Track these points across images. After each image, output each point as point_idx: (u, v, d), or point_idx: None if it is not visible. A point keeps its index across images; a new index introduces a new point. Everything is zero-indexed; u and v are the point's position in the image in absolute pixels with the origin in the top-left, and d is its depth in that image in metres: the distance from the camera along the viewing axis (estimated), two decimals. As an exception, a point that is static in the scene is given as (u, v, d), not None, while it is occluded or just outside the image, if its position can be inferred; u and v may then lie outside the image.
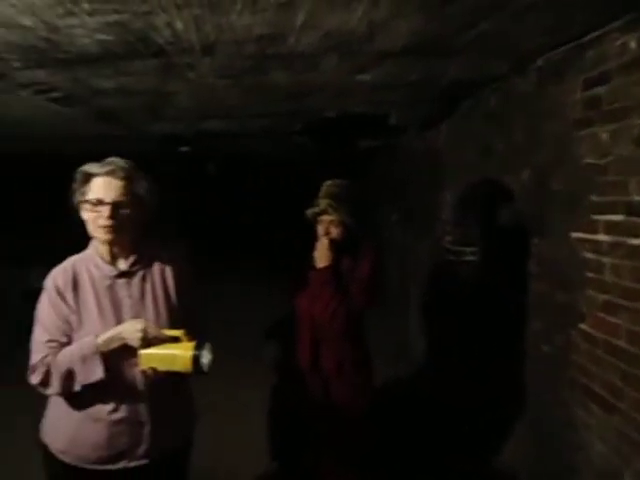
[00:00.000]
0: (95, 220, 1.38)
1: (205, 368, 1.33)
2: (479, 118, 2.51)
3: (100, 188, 1.38)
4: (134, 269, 1.46)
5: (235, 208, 9.59)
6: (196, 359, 1.31)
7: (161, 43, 1.58)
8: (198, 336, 1.37)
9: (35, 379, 1.33)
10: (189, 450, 1.64)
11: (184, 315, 1.51)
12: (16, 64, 1.74)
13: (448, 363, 3.14)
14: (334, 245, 1.85)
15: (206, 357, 1.34)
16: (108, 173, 1.39)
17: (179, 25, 1.44)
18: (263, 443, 2.25)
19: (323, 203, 1.84)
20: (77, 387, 1.34)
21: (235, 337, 4.44)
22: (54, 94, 2.16)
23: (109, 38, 1.50)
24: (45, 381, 1.33)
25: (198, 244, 8.57)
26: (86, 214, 1.41)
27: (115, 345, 1.34)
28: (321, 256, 1.84)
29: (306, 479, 2.05)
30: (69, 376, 1.33)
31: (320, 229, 1.89)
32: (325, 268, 1.83)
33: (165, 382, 1.39)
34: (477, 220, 3.09)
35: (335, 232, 1.87)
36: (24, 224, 5.45)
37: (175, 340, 1.36)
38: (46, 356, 1.33)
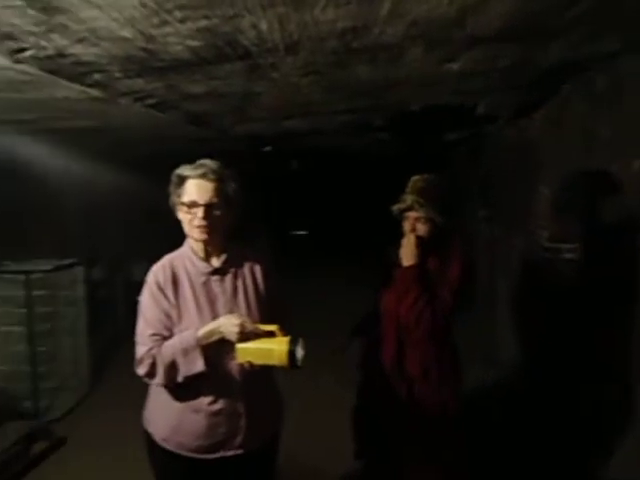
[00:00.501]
0: (190, 221, 1.46)
1: (300, 363, 1.35)
2: (582, 103, 2.28)
3: (194, 190, 1.46)
4: (226, 266, 1.53)
5: (320, 206, 9.72)
6: (292, 354, 1.34)
7: (247, 45, 1.61)
8: (291, 333, 1.39)
9: (142, 370, 1.43)
10: (278, 441, 1.68)
11: (272, 311, 1.55)
12: (117, 74, 1.86)
13: (541, 366, 2.92)
14: (421, 243, 1.78)
15: (300, 352, 1.36)
16: (201, 176, 1.45)
17: (264, 25, 1.45)
18: (346, 440, 2.24)
19: (409, 199, 1.78)
20: (180, 378, 1.42)
21: (320, 333, 4.51)
22: (150, 101, 2.30)
23: (199, 44, 1.55)
24: (151, 372, 1.42)
25: (283, 242, 8.83)
26: (182, 215, 1.49)
27: (214, 339, 1.40)
28: (407, 254, 1.78)
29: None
30: (172, 368, 1.41)
31: (406, 226, 1.83)
32: (411, 267, 1.77)
33: (259, 375, 1.43)
34: (577, 215, 2.83)
35: (422, 229, 1.80)
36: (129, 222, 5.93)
37: (270, 335, 1.39)
38: (151, 348, 1.42)
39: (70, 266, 3.72)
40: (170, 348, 1.41)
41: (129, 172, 5.48)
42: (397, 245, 1.86)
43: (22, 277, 3.34)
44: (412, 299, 1.75)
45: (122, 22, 1.36)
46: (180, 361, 1.40)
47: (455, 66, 1.99)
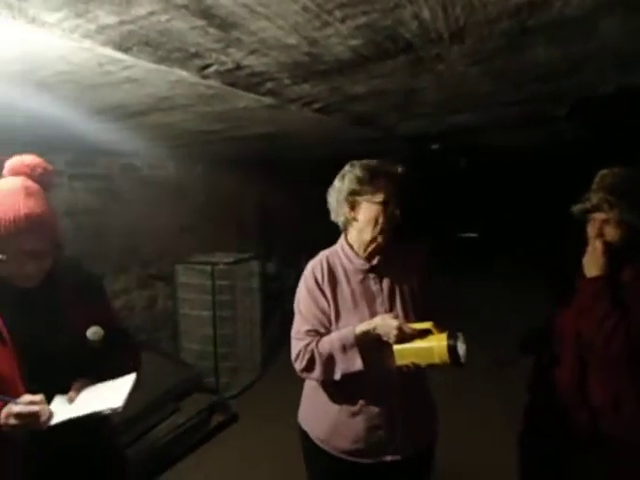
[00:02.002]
0: (371, 220, 1.44)
1: (462, 359, 1.26)
2: None
3: (380, 189, 1.44)
4: (383, 265, 1.49)
5: (491, 207, 9.10)
6: (452, 349, 1.25)
7: (408, 37, 1.54)
8: (450, 328, 1.30)
9: (300, 365, 1.46)
10: (433, 450, 1.60)
11: (427, 312, 1.48)
12: (286, 81, 1.97)
13: None
14: (610, 250, 1.49)
15: (461, 347, 1.26)
16: (388, 175, 1.44)
17: (426, 14, 1.37)
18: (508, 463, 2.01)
19: (596, 197, 1.49)
20: (337, 375, 1.41)
21: (482, 344, 4.20)
22: (316, 105, 2.39)
23: (360, 42, 1.54)
24: (309, 367, 1.45)
25: (450, 245, 8.49)
26: (365, 214, 1.48)
27: (369, 339, 1.37)
28: (592, 263, 1.50)
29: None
30: (330, 364, 1.41)
31: (591, 230, 1.54)
32: (597, 278, 1.48)
33: (414, 379, 1.37)
34: None
35: (612, 233, 1.49)
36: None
37: (425, 333, 1.32)
38: (309, 344, 1.45)
39: (248, 260, 4.14)
40: (328, 344, 1.42)
41: (299, 175, 5.88)
42: (580, 252, 1.59)
43: (209, 268, 3.83)
44: (599, 315, 1.47)
45: (287, 29, 1.42)
46: (338, 358, 1.39)
47: (665, 35, 1.62)
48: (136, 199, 4.13)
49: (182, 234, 4.48)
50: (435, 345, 1.28)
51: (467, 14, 1.39)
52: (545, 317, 1.80)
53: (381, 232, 1.43)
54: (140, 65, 1.66)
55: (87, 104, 2.24)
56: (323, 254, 1.59)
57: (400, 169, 1.41)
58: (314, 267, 1.55)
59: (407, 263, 1.53)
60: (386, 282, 1.49)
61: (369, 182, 1.46)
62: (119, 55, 1.54)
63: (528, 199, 8.33)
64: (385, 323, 1.34)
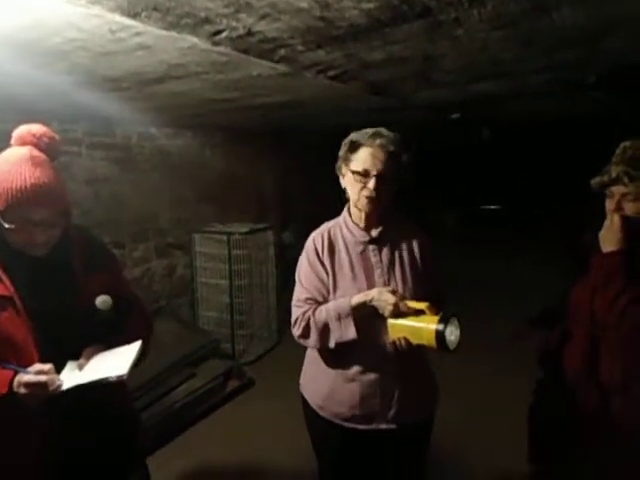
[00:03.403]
0: (360, 190, 1.44)
1: (451, 345, 1.24)
2: None
3: (368, 159, 1.43)
4: (384, 237, 1.49)
5: (514, 178, 8.89)
6: (439, 334, 1.24)
7: (426, 1, 1.48)
8: (444, 310, 1.30)
9: (297, 331, 1.51)
10: (431, 424, 1.62)
11: (428, 287, 1.47)
12: (299, 47, 1.92)
13: None
14: (628, 225, 1.44)
15: (453, 333, 1.25)
16: (377, 145, 1.42)
17: (444, -25, 1.31)
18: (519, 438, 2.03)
19: (616, 170, 1.43)
20: (332, 344, 1.45)
21: (500, 318, 4.18)
22: (331, 72, 2.33)
23: (374, 5, 1.49)
24: (305, 334, 1.49)
25: (471, 217, 8.38)
26: (348, 182, 1.48)
27: (365, 310, 1.39)
28: (609, 238, 1.45)
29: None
30: (325, 332, 1.44)
31: (610, 204, 1.49)
32: (614, 253, 1.44)
33: (411, 351, 1.38)
34: None
35: (631, 208, 1.44)
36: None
37: (420, 313, 1.32)
38: (306, 311, 1.48)
39: (263, 230, 4.16)
40: (324, 312, 1.44)
41: (315, 146, 5.82)
42: (597, 225, 1.54)
43: (225, 237, 3.86)
44: (613, 292, 1.44)
45: (298, -8, 1.37)
46: (333, 326, 1.42)
47: None
48: (154, 168, 4.16)
49: (199, 203, 4.52)
50: (424, 327, 1.29)
51: (488, -26, 1.32)
52: (561, 292, 1.77)
53: (364, 201, 1.42)
54: (150, 31, 1.63)
55: (101, 72, 2.22)
56: (326, 225, 1.59)
57: (381, 141, 1.38)
58: (315, 238, 1.56)
59: (411, 237, 1.52)
60: (386, 254, 1.48)
61: (352, 151, 1.46)
62: (129, 21, 1.52)
63: (552, 171, 8.10)
64: (382, 297, 1.35)
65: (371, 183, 1.41)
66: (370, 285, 1.45)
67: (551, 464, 1.80)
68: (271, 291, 4.35)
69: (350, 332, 1.41)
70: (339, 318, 1.41)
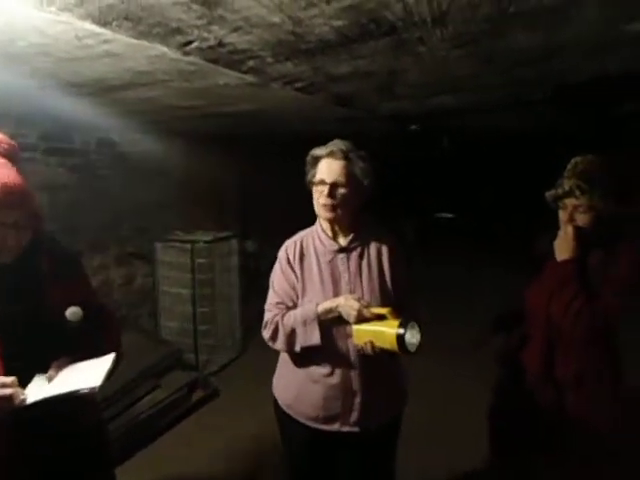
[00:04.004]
0: (318, 199, 1.50)
1: (411, 348, 1.30)
2: None
3: (323, 169, 1.50)
4: (352, 246, 1.54)
5: (468, 188, 9.22)
6: (400, 337, 1.30)
7: (392, 20, 1.55)
8: (404, 315, 1.36)
9: (266, 334, 1.55)
10: (398, 427, 1.67)
11: (395, 294, 1.53)
12: (269, 60, 1.96)
13: None
14: (580, 234, 1.55)
15: (414, 337, 1.32)
16: (328, 155, 1.50)
17: (410, -3, 1.38)
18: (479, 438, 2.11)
19: (568, 184, 1.55)
20: (297, 347, 1.50)
21: (460, 323, 4.33)
22: (298, 84, 2.38)
23: (344, 23, 1.54)
24: (273, 337, 1.53)
25: (426, 225, 8.61)
26: (314, 195, 1.54)
27: (331, 316, 1.43)
28: (563, 247, 1.56)
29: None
30: (292, 336, 1.50)
31: (563, 215, 1.61)
32: (567, 261, 1.55)
33: (378, 356, 1.43)
34: None
35: (582, 219, 1.56)
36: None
37: (383, 318, 1.37)
38: (275, 315, 1.53)
39: (227, 238, 4.14)
40: (292, 317, 1.49)
41: (279, 154, 5.85)
42: (552, 235, 1.65)
43: (188, 246, 3.82)
44: (567, 298, 1.54)
45: (272, 8, 1.41)
46: (299, 331, 1.47)
47: (638, 26, 1.67)
48: (113, 175, 4.06)
49: (161, 211, 4.44)
50: (386, 331, 1.34)
51: (450, -1, 1.40)
52: (518, 298, 1.87)
53: (322, 210, 1.49)
54: (120, 39, 1.62)
55: (63, 77, 2.18)
56: (299, 234, 1.64)
57: (336, 153, 1.47)
58: (288, 246, 1.61)
59: (380, 245, 1.58)
60: (353, 263, 1.54)
61: (313, 165, 1.54)
62: (98, 29, 1.51)
63: (507, 181, 8.47)
64: (347, 303, 1.40)
65: (325, 191, 1.47)
66: (336, 292, 1.50)
67: (511, 459, 1.89)
68: (235, 300, 4.32)
69: (314, 337, 1.46)
70: (305, 324, 1.46)
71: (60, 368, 1.25)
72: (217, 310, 4.10)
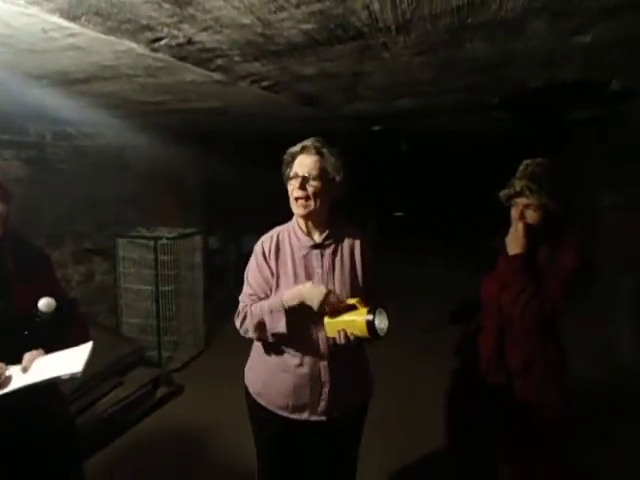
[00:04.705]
0: (292, 192, 1.56)
1: (381, 332, 1.39)
2: None
3: (297, 165, 1.56)
4: (327, 242, 1.60)
5: (428, 188, 9.46)
6: (370, 323, 1.38)
7: (358, 26, 1.62)
8: (372, 303, 1.43)
9: (237, 323, 1.60)
10: (364, 416, 1.74)
11: (366, 289, 1.60)
12: (237, 59, 1.99)
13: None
14: (530, 231, 1.68)
15: (383, 322, 1.40)
16: (302, 151, 1.55)
17: (376, 6, 1.45)
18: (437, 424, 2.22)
19: (519, 184, 1.68)
20: (264, 335, 1.54)
21: (419, 314, 4.49)
22: (265, 83, 2.42)
23: (312, 27, 1.60)
24: (242, 325, 1.58)
25: (385, 223, 8.79)
26: (289, 189, 1.59)
27: (295, 302, 1.47)
28: (514, 242, 1.69)
29: (480, 471, 1.97)
30: (260, 325, 1.55)
31: (514, 213, 1.74)
32: (518, 256, 1.68)
33: (347, 349, 1.50)
34: None
35: (531, 217, 1.69)
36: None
37: (352, 308, 1.45)
38: (247, 305, 1.57)
39: (191, 235, 4.11)
40: (259, 307, 1.54)
41: (246, 152, 5.83)
42: (504, 232, 1.78)
43: (152, 243, 3.77)
44: (517, 289, 1.67)
45: (242, 10, 1.44)
46: (267, 319, 1.52)
47: (585, 39, 1.81)
48: (70, 169, 3.94)
49: (122, 207, 4.35)
50: (357, 319, 1.42)
51: (413, 9, 1.48)
52: (474, 291, 2.00)
53: (294, 203, 1.54)
54: (87, 33, 1.61)
55: (23, 69, 2.13)
56: (275, 229, 1.68)
57: (308, 149, 1.53)
58: (264, 241, 1.65)
59: (352, 242, 1.64)
60: (327, 259, 1.60)
61: (289, 164, 1.59)
62: (66, 23, 1.50)
63: (465, 182, 8.76)
64: (312, 290, 1.45)
65: (297, 183, 1.53)
66: None
67: (466, 443, 2.01)
68: (198, 297, 4.30)
69: (280, 326, 1.50)
70: (271, 312, 1.51)
71: (32, 360, 1.25)
72: (180, 307, 4.07)
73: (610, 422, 2.79)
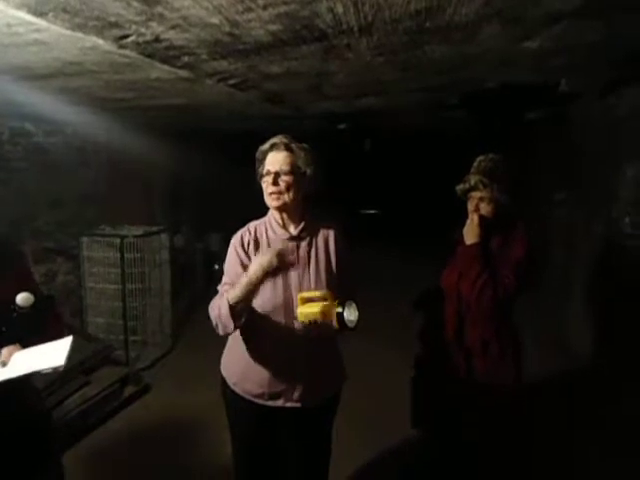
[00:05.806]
0: (266, 189, 1.61)
1: (350, 324, 1.46)
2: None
3: (269, 161, 1.61)
4: (302, 235, 1.66)
5: (391, 185, 9.65)
6: (339, 315, 1.44)
7: (323, 28, 1.69)
8: (343, 296, 1.49)
9: (210, 313, 1.58)
10: (336, 404, 1.81)
11: (340, 282, 1.66)
12: (204, 57, 2.02)
13: (611, 357, 2.82)
14: (484, 222, 1.81)
15: (352, 314, 1.46)
16: (271, 147, 1.61)
17: (339, 9, 1.52)
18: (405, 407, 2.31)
19: (473, 179, 1.80)
20: (222, 332, 1.53)
21: (385, 303, 4.61)
22: (232, 81, 2.46)
23: (279, 28, 1.66)
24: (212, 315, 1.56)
25: (353, 220, 8.92)
26: (262, 185, 1.64)
27: (244, 292, 1.46)
28: (470, 233, 1.81)
29: (447, 449, 2.08)
30: (217, 325, 1.54)
31: (470, 205, 1.86)
32: (473, 245, 1.80)
33: (320, 338, 1.56)
34: (666, 201, 2.67)
35: (485, 209, 1.82)
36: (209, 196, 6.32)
37: (323, 300, 1.50)
38: (221, 295, 1.56)
39: (158, 232, 4.08)
40: (213, 308, 1.54)
41: (211, 150, 5.80)
42: (462, 224, 1.90)
43: (117, 241, 3.73)
44: (473, 276, 1.79)
45: (211, 10, 1.49)
46: (220, 322, 1.52)
47: (534, 44, 1.94)
48: (29, 167, 3.84)
49: (85, 205, 4.27)
50: (327, 311, 1.46)
51: (375, 12, 1.57)
52: (435, 279, 2.11)
53: (269, 198, 1.59)
54: (52, 29, 1.62)
55: (-17, 63, 2.09)
56: (252, 223, 1.73)
57: (278, 145, 1.58)
58: (243, 233, 1.69)
59: (327, 236, 1.70)
60: (303, 251, 1.65)
61: (261, 161, 1.64)
62: (32, 18, 1.50)
63: (426, 178, 9.00)
64: (254, 265, 1.43)
65: (270, 179, 1.58)
66: (285, 279, 1.60)
67: (430, 425, 2.12)
68: (165, 295, 4.27)
69: (229, 327, 1.49)
70: (220, 316, 1.49)
71: (10, 354, 1.25)
72: (147, 305, 4.04)
73: (559, 404, 2.98)
